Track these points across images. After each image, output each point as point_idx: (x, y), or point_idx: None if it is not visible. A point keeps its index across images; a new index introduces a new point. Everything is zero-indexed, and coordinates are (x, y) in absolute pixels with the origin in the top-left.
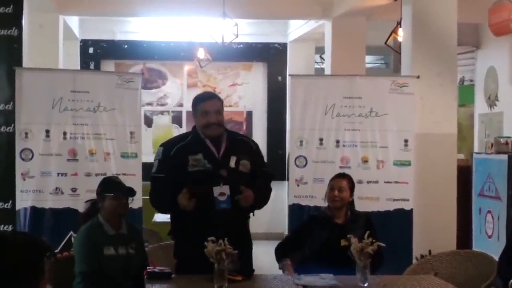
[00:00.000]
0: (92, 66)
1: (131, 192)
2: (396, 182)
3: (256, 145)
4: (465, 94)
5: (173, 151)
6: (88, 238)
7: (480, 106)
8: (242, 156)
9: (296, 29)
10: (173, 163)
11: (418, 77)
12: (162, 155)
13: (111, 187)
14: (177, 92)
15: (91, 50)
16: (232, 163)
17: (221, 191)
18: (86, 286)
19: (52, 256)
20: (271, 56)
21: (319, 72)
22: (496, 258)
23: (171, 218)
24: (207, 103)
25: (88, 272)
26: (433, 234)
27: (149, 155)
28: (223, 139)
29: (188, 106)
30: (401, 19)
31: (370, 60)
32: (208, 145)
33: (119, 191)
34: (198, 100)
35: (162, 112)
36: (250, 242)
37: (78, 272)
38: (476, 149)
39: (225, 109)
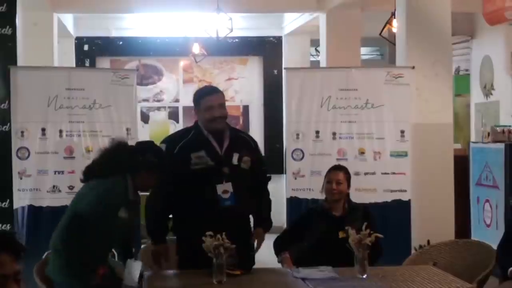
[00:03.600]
0: (87, 64)
1: None
2: (393, 173)
3: (256, 143)
4: (461, 83)
5: (176, 150)
6: (109, 196)
7: (476, 95)
8: (243, 153)
9: (291, 22)
10: (176, 162)
11: (413, 67)
12: (165, 153)
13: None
14: (173, 88)
15: (86, 47)
16: (235, 160)
17: (224, 189)
18: (74, 229)
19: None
20: (267, 49)
21: (315, 65)
22: (495, 247)
23: (173, 214)
24: (211, 97)
25: (83, 216)
26: (431, 224)
27: None
28: (225, 135)
29: (184, 101)
30: (395, 10)
31: (365, 52)
32: (210, 141)
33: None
34: (202, 94)
35: (158, 108)
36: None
37: (75, 212)
38: (472, 138)
39: None
